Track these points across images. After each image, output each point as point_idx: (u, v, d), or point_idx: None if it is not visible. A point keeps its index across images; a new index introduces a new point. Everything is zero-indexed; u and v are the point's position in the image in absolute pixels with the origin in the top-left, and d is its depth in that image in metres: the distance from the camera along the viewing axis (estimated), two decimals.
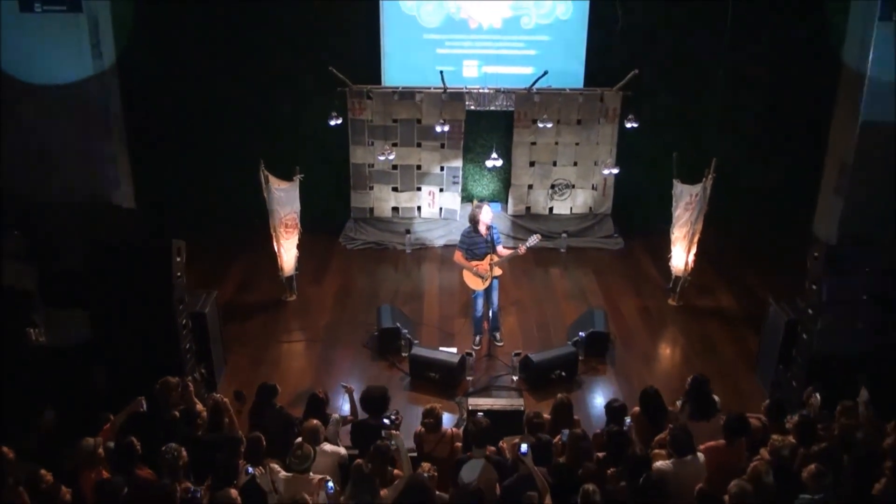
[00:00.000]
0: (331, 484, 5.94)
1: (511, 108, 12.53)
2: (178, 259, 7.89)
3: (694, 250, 10.53)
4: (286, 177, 10.39)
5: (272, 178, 10.13)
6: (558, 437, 6.64)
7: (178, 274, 7.91)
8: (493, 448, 6.54)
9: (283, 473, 6.09)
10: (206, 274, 11.08)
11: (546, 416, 7.06)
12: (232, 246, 12.35)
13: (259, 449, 6.21)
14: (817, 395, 6.93)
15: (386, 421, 6.76)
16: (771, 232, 12.69)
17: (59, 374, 7.69)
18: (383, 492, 5.95)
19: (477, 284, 9.33)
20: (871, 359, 7.58)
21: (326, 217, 12.74)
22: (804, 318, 8.19)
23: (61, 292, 8.24)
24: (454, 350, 9.44)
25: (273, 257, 10.71)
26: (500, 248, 9.30)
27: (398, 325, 9.67)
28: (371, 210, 12.95)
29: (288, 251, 10.72)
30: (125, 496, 5.69)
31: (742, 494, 5.56)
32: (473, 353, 9.34)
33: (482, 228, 9.16)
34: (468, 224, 9.41)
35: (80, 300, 7.96)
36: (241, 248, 12.20)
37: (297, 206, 10.64)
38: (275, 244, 10.55)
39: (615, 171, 11.65)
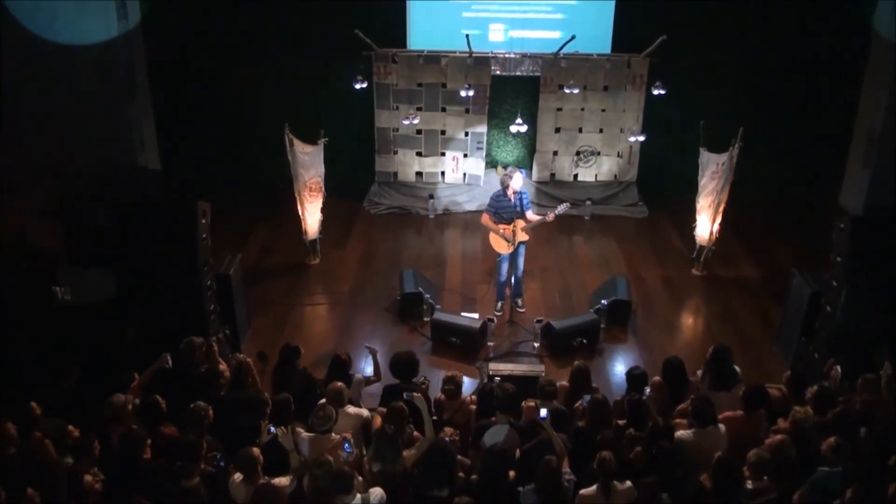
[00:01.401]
0: (347, 444, 6.03)
1: (537, 74, 12.42)
2: (203, 221, 7.95)
3: (719, 220, 10.45)
4: (311, 140, 10.40)
5: (297, 142, 10.15)
6: (579, 402, 6.67)
7: (203, 236, 7.97)
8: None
9: (305, 434, 6.17)
10: (231, 237, 11.15)
11: (562, 383, 7.10)
12: (256, 209, 12.42)
13: (287, 410, 6.29)
14: (838, 368, 6.90)
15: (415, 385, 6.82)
16: (797, 203, 12.56)
17: (84, 333, 7.80)
18: (405, 452, 6.03)
19: (502, 248, 9.33)
20: (895, 333, 7.51)
21: (350, 181, 12.76)
22: (828, 291, 8.12)
23: (87, 252, 8.33)
24: (476, 315, 9.49)
25: (297, 221, 10.76)
26: (528, 214, 9.27)
27: (420, 289, 9.72)
28: (395, 174, 12.94)
29: (312, 215, 10.77)
30: (150, 449, 5.82)
31: (761, 464, 5.58)
32: (495, 319, 9.37)
33: (510, 193, 9.14)
34: (498, 188, 9.39)
35: (106, 260, 8.05)
36: (266, 212, 12.28)
37: (321, 169, 10.65)
38: (299, 208, 10.60)
39: (641, 138, 11.55)
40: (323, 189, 10.79)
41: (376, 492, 5.53)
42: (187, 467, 5.63)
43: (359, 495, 5.41)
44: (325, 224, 11.09)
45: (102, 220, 7.93)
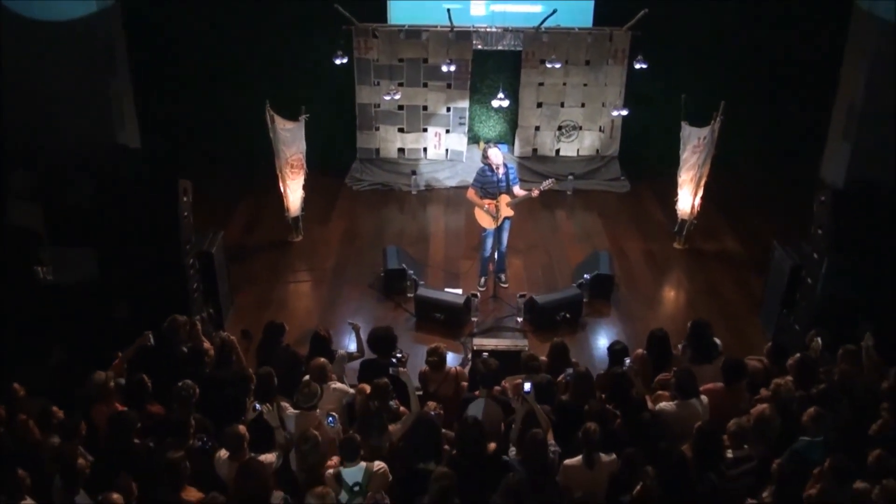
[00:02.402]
0: (331, 418, 6.05)
1: (519, 48, 12.36)
2: (185, 199, 7.91)
3: (700, 193, 10.49)
4: (292, 116, 10.32)
5: (278, 118, 10.07)
6: (563, 375, 6.72)
7: (185, 214, 7.93)
8: (497, 388, 6.63)
9: (290, 410, 6.19)
10: (213, 214, 11.07)
11: (542, 358, 7.14)
12: (238, 186, 12.34)
13: (270, 385, 6.29)
14: (819, 339, 6.98)
15: (393, 360, 6.84)
16: (778, 176, 12.64)
17: (66, 312, 7.76)
18: (390, 427, 6.06)
19: (488, 223, 9.33)
20: (875, 304, 7.60)
21: (332, 158, 12.70)
22: (809, 263, 8.20)
23: (68, 231, 8.26)
24: (460, 291, 9.51)
25: (279, 198, 10.71)
26: (515, 189, 9.25)
27: (404, 265, 9.72)
28: (377, 151, 12.89)
29: (294, 192, 10.72)
30: (139, 430, 5.81)
31: (741, 433, 5.66)
32: (479, 295, 9.39)
33: (496, 168, 9.13)
34: (481, 163, 9.37)
35: (88, 239, 7.99)
36: (247, 189, 12.21)
37: (302, 146, 10.59)
38: (281, 185, 10.55)
39: (623, 112, 11.55)
40: (305, 166, 10.73)
41: (379, 464, 5.56)
42: (175, 446, 5.65)
43: (363, 464, 5.45)
44: (307, 201, 11.04)
45: (83, 199, 7.87)
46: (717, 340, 7.24)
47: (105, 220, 7.73)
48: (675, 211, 10.96)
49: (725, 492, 5.59)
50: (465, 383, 7.00)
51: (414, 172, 12.64)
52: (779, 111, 12.61)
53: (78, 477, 5.36)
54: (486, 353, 7.28)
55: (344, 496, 5.44)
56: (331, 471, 5.52)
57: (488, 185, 9.16)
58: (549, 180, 9.33)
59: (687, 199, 10.64)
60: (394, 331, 7.25)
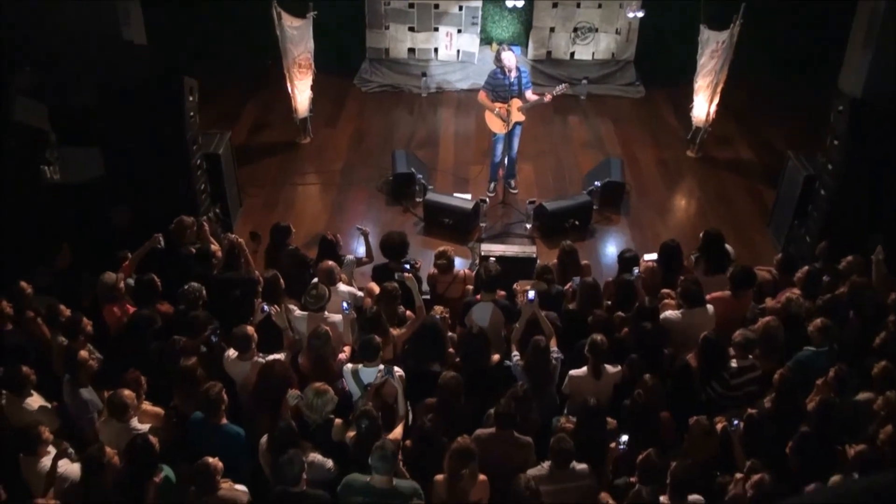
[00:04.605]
0: (346, 304, 6.13)
1: None
2: (191, 98, 7.76)
3: (716, 100, 10.26)
4: (299, 14, 10.03)
5: (285, 15, 9.79)
6: (570, 284, 6.72)
7: (191, 113, 7.80)
8: (502, 292, 6.64)
9: (298, 312, 6.25)
10: (219, 114, 10.96)
11: (553, 261, 7.14)
12: (245, 86, 12.13)
13: (277, 287, 6.34)
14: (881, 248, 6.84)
15: (407, 266, 6.86)
16: (795, 85, 12.31)
17: (74, 212, 7.76)
18: (395, 330, 6.12)
19: (498, 127, 9.17)
20: (887, 216, 7.51)
21: (341, 57, 12.42)
22: (823, 174, 8.07)
23: (74, 130, 8.17)
24: (468, 196, 9.44)
25: (287, 98, 10.53)
26: (528, 94, 9.02)
27: (413, 169, 9.63)
28: (386, 51, 12.60)
29: (302, 92, 10.52)
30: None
31: (747, 343, 5.68)
32: (488, 200, 9.33)
33: (508, 72, 8.92)
34: (494, 66, 9.14)
35: (94, 138, 7.90)
36: (255, 88, 12.00)
37: (310, 45, 10.33)
38: (288, 85, 10.34)
39: (640, 14, 11.20)
40: (313, 66, 10.49)
41: (397, 369, 5.62)
42: (186, 344, 5.74)
43: (382, 365, 5.52)
44: (315, 102, 10.86)
45: (89, 98, 7.73)
46: (730, 248, 7.19)
47: (111, 119, 7.61)
48: (689, 118, 10.75)
49: (728, 400, 5.67)
50: (470, 286, 7.02)
51: (424, 74, 12.38)
52: (799, 16, 12.18)
53: (83, 372, 5.46)
54: (493, 259, 7.29)
55: (357, 392, 5.55)
56: (349, 366, 5.61)
57: (500, 88, 8.96)
58: (563, 85, 9.11)
59: (702, 106, 10.42)
60: (406, 237, 7.22)
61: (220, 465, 4.75)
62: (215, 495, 4.71)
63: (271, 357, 5.70)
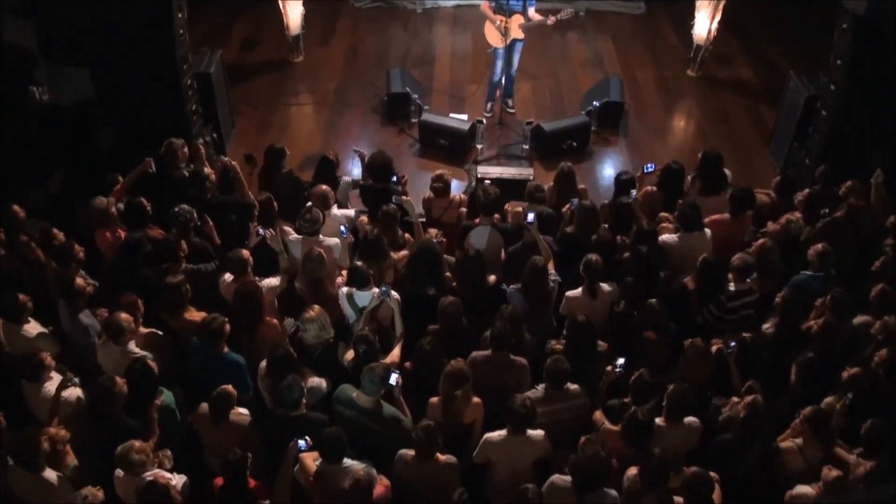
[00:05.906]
0: (343, 228, 6.12)
1: None
2: (180, 15, 7.52)
3: (718, 17, 10.01)
4: None
5: None
6: (568, 206, 6.67)
7: (181, 31, 7.58)
8: (497, 214, 6.60)
9: (293, 235, 6.22)
10: (209, 32, 10.69)
11: (549, 184, 7.07)
12: (234, 2, 11.77)
13: (271, 210, 6.29)
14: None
15: (394, 178, 6.78)
16: (798, 2, 12.00)
17: (64, 134, 7.62)
18: (395, 254, 6.10)
19: (496, 41, 8.95)
20: (889, 139, 7.42)
21: None
22: (825, 94, 7.94)
23: (62, 49, 7.95)
24: (465, 117, 9.30)
25: (278, 14, 10.24)
26: (531, 11, 8.80)
27: (408, 89, 9.45)
28: None
29: (293, 8, 10.22)
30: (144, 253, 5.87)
31: (744, 267, 5.68)
32: (484, 121, 9.17)
33: None
34: None
35: (82, 58, 7.70)
36: (244, 4, 11.66)
37: None
38: (279, 0, 10.06)
39: None
40: None
41: (393, 293, 5.64)
42: (173, 267, 5.72)
43: (375, 289, 5.54)
44: (307, 18, 10.57)
45: (76, 15, 7.48)
46: (728, 171, 7.14)
47: (98, 38, 7.39)
48: (690, 36, 10.51)
49: (724, 323, 5.71)
50: (464, 210, 6.97)
51: None
52: None
53: (79, 297, 5.44)
54: (489, 181, 7.22)
55: (353, 316, 5.59)
56: (344, 289, 5.62)
57: (503, 0, 8.72)
58: (569, 10, 8.87)
59: (704, 23, 10.18)
60: (391, 160, 7.08)
61: (236, 392, 4.83)
62: (227, 420, 4.80)
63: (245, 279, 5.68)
